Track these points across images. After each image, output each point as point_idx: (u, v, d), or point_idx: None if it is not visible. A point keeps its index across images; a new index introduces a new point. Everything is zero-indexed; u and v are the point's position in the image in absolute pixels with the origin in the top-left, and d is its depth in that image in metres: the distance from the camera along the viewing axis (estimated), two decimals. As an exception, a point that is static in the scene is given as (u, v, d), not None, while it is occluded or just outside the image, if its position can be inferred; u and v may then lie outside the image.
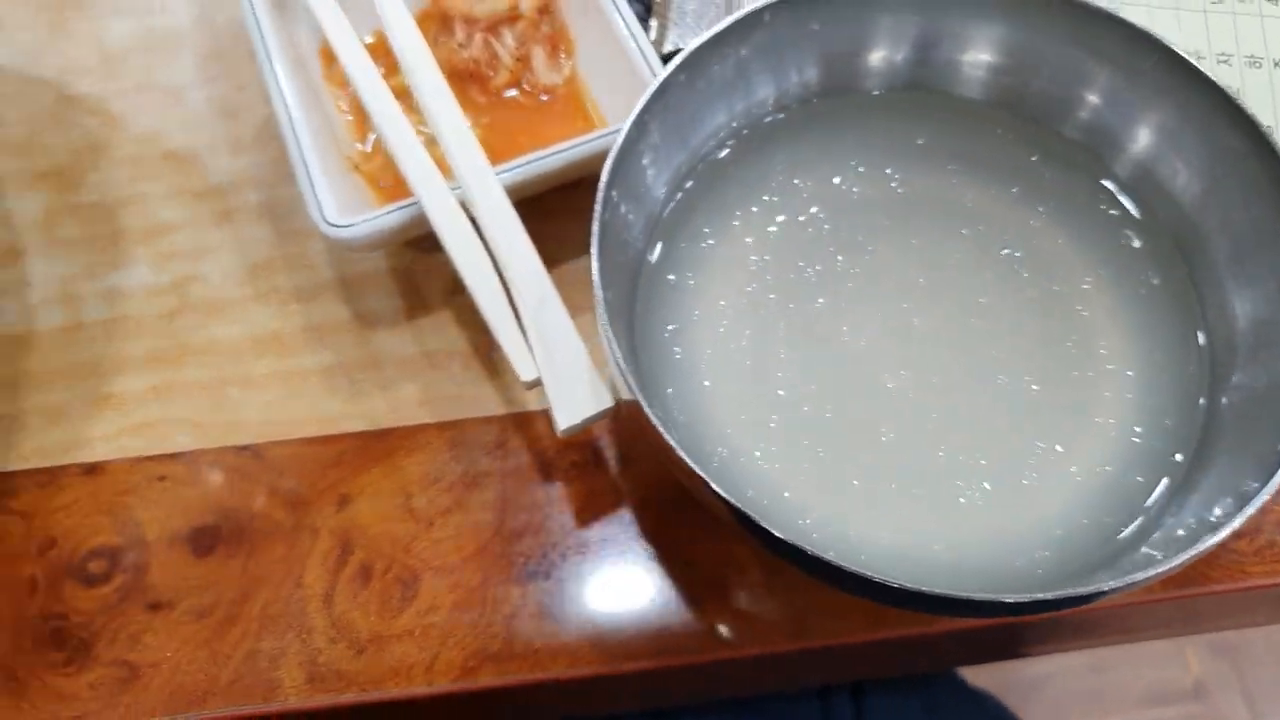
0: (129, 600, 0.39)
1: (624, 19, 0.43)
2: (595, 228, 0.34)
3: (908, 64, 0.42)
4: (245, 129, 0.48)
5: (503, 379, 0.42)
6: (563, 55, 0.46)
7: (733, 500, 0.30)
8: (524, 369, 0.36)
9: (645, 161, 0.38)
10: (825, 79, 0.42)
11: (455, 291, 0.44)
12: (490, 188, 0.39)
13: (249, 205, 0.46)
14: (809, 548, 0.30)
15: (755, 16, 0.38)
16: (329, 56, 0.47)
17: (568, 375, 0.36)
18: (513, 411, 0.42)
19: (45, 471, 0.41)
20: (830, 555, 0.30)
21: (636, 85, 0.42)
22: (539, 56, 0.46)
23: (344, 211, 0.40)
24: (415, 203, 0.39)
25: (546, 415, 0.42)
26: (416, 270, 0.45)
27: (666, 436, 0.31)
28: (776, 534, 0.30)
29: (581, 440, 0.41)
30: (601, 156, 0.41)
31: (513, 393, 0.42)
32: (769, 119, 0.42)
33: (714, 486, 0.31)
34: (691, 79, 0.38)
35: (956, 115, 0.42)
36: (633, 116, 0.36)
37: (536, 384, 0.36)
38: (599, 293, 0.33)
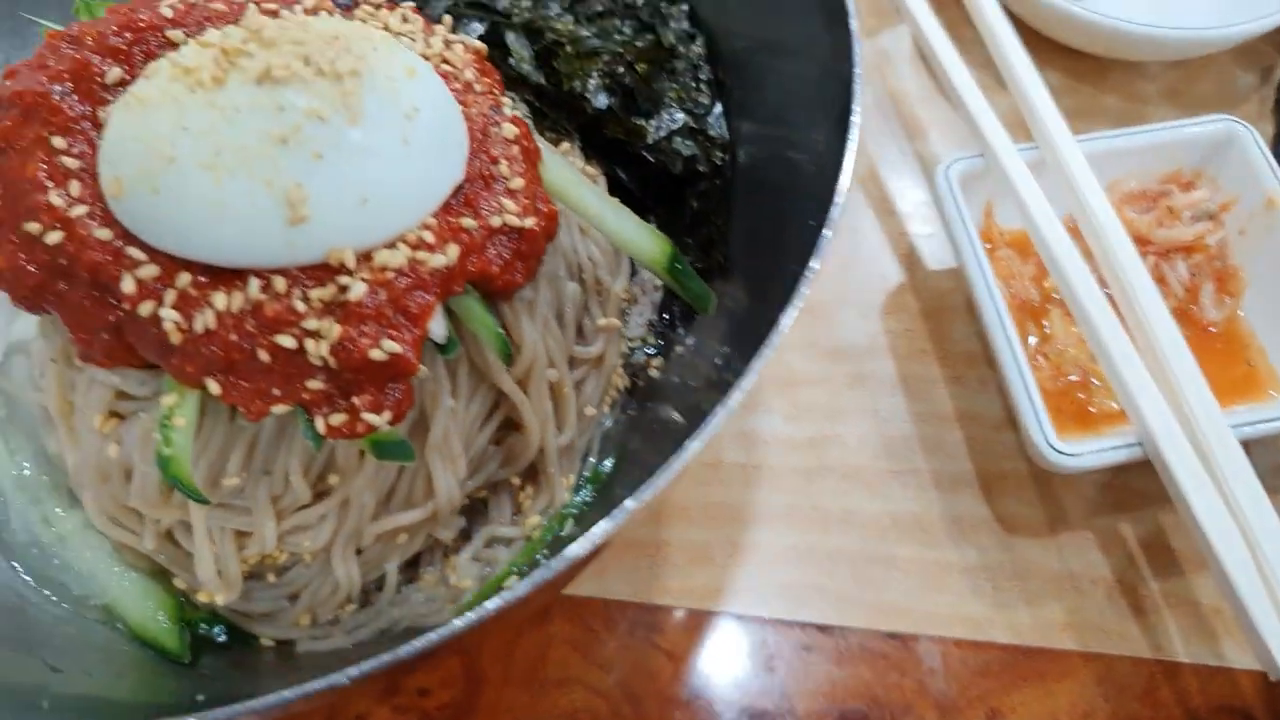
0: (781, 771, 0.39)
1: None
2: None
3: None
4: (872, 293, 0.49)
5: (1148, 618, 0.42)
6: (1228, 294, 0.45)
7: None
8: (1287, 660, 0.35)
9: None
10: None
11: (1097, 513, 0.44)
12: (1225, 438, 0.38)
13: (881, 374, 0.47)
14: None
15: None
16: (992, 241, 0.47)
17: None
18: (1160, 658, 0.41)
19: (693, 614, 0.42)
20: None
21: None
22: (1208, 291, 0.45)
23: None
24: (1138, 443, 0.39)
25: (1195, 669, 0.41)
26: (1055, 479, 0.44)
27: None
28: None
29: (1233, 703, 0.40)
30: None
31: (1158, 636, 0.41)
32: None
33: None
34: None
35: None
36: None
37: (1287, 677, 0.35)
38: None
